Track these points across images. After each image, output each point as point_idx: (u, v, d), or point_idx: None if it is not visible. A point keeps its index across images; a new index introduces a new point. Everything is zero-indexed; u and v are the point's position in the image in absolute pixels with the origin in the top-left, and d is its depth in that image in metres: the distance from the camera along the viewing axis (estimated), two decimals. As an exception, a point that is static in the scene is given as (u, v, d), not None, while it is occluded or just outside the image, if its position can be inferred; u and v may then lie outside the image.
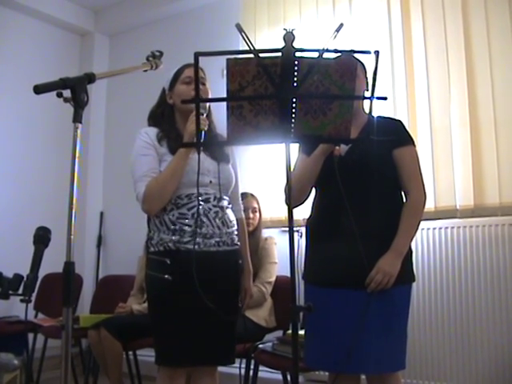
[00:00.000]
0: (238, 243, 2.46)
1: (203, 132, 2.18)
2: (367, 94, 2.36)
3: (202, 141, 2.14)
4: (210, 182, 2.37)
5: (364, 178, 2.26)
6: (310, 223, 2.43)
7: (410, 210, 2.28)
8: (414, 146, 2.37)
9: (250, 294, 2.54)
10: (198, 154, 2.21)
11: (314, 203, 2.44)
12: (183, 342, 2.25)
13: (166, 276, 2.26)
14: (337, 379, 2.29)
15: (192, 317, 2.24)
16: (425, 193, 2.33)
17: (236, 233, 2.45)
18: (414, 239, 2.55)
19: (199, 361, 2.30)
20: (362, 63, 2.38)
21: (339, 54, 1.81)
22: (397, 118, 2.64)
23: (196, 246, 2.25)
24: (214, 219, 2.33)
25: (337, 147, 2.21)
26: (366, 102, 2.38)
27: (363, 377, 2.39)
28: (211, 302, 2.14)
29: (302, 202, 2.39)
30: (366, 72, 2.41)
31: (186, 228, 2.28)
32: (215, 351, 2.32)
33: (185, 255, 2.23)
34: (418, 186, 2.31)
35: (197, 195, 2.27)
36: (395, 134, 2.33)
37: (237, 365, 2.65)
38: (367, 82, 2.39)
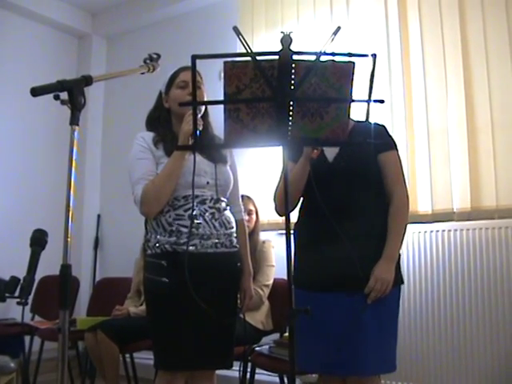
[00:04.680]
0: (237, 245, 2.44)
1: (198, 132, 2.17)
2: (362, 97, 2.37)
3: (198, 143, 2.14)
4: (207, 183, 2.36)
5: (352, 183, 2.28)
6: (298, 228, 2.43)
7: (395, 215, 2.31)
8: (397, 150, 2.41)
9: (249, 295, 2.52)
10: (194, 155, 2.21)
11: (301, 208, 2.44)
12: (182, 346, 2.24)
13: (164, 279, 2.25)
14: (327, 381, 2.31)
15: (190, 320, 2.23)
16: (408, 196, 2.36)
17: (235, 234, 2.43)
18: (411, 242, 2.56)
19: (198, 365, 2.29)
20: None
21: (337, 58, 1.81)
22: (393, 122, 2.65)
23: (193, 248, 2.25)
24: (210, 220, 2.32)
25: (315, 150, 2.22)
26: (354, 107, 2.39)
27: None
28: (208, 304, 2.13)
29: (293, 209, 2.40)
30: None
31: (183, 229, 2.27)
32: (213, 355, 2.31)
33: (182, 257, 2.20)
34: (401, 191, 2.35)
35: (192, 196, 2.27)
36: (379, 138, 2.35)
37: (234, 368, 2.65)
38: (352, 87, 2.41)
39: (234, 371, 2.77)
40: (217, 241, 2.32)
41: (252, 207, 3.67)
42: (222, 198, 2.42)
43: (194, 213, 2.28)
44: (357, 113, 2.38)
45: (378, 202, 2.34)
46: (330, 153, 2.33)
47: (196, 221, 2.28)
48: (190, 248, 2.23)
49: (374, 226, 2.27)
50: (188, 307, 2.20)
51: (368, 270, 2.20)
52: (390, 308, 2.27)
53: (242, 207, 2.64)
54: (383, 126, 2.45)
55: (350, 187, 2.27)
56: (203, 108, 2.43)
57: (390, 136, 2.42)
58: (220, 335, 2.31)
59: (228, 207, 2.46)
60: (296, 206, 2.41)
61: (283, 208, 1.73)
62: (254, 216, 3.65)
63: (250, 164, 4.19)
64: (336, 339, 2.18)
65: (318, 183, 2.18)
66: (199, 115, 2.32)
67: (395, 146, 2.40)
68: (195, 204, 2.30)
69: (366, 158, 2.28)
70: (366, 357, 2.17)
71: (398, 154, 2.40)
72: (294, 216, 2.75)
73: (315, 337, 2.24)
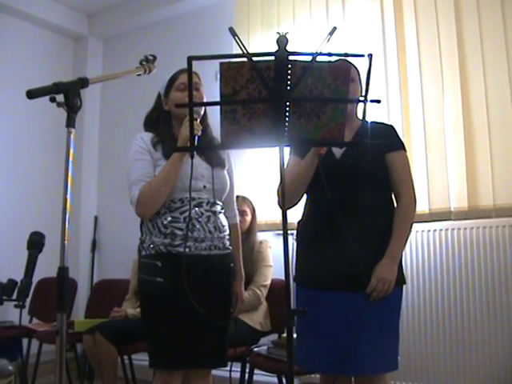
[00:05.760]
0: (230, 247, 2.46)
1: (197, 137, 2.18)
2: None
3: (196, 145, 2.14)
4: (204, 186, 2.37)
5: (359, 180, 2.28)
6: (303, 225, 2.44)
7: (402, 215, 2.32)
8: (405, 150, 2.41)
9: (241, 299, 2.55)
10: (192, 158, 2.22)
11: (306, 206, 2.45)
12: (175, 345, 2.25)
13: (158, 279, 2.26)
14: (330, 381, 2.30)
15: (184, 319, 2.24)
16: (415, 197, 2.36)
17: (228, 237, 2.45)
18: (409, 242, 2.55)
19: (192, 363, 2.30)
20: (356, 68, 2.39)
21: (333, 58, 1.82)
22: (389, 122, 2.66)
23: (187, 250, 2.25)
24: (205, 224, 2.33)
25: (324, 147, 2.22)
26: (360, 108, 2.40)
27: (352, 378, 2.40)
28: (203, 304, 2.15)
29: (295, 204, 2.40)
30: (360, 77, 2.43)
31: (178, 232, 2.28)
32: (207, 354, 2.32)
33: (176, 258, 2.23)
34: (409, 191, 2.35)
35: (189, 199, 2.28)
36: (388, 138, 2.36)
37: (232, 368, 2.65)
38: (361, 88, 2.41)
39: (233, 372, 2.76)
40: (210, 243, 2.34)
41: (246, 208, 3.65)
42: (218, 202, 2.44)
43: (188, 214, 2.29)
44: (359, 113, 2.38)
45: (383, 201, 2.35)
46: (338, 149, 2.34)
47: (191, 224, 2.29)
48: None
49: (378, 224, 2.27)
50: (182, 307, 2.22)
51: (371, 269, 2.21)
52: (391, 307, 2.27)
53: (237, 211, 2.65)
54: (391, 126, 2.46)
55: (356, 185, 2.27)
56: (202, 111, 2.44)
57: (398, 136, 2.43)
58: (214, 334, 2.33)
59: (223, 210, 2.48)
60: (299, 201, 2.41)
61: (285, 202, 1.73)
62: (247, 217, 3.63)
63: (247, 164, 4.19)
64: (337, 338, 2.18)
65: (325, 179, 2.18)
66: (198, 119, 2.32)
67: (403, 146, 2.41)
68: (192, 207, 2.31)
69: (373, 156, 2.27)
70: (367, 356, 2.17)
71: (406, 155, 2.40)
72: (292, 216, 2.76)
73: (316, 336, 2.24)
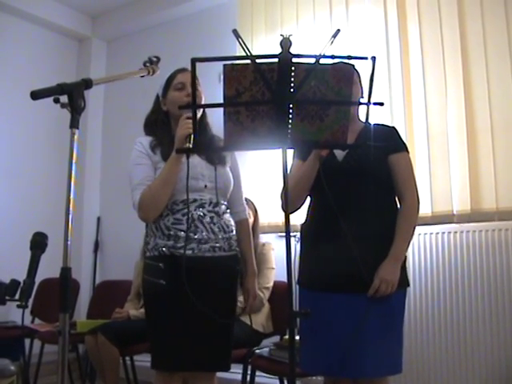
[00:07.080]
0: (237, 249, 2.44)
1: (193, 136, 2.16)
2: (363, 100, 2.38)
3: (197, 146, 2.13)
4: (205, 186, 2.36)
5: (361, 183, 2.28)
6: (306, 228, 2.44)
7: (405, 216, 2.32)
8: (408, 152, 2.41)
9: (253, 294, 2.52)
10: (187, 158, 2.21)
11: (309, 208, 2.44)
12: (177, 347, 2.25)
13: (161, 281, 2.26)
14: (329, 383, 2.31)
15: (186, 321, 2.24)
16: (418, 199, 2.36)
17: (234, 238, 2.43)
18: (411, 244, 2.56)
19: (194, 366, 2.29)
20: (357, 71, 2.39)
21: (336, 60, 1.82)
22: (392, 125, 2.67)
23: (190, 252, 2.25)
24: (208, 224, 2.31)
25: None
26: (362, 110, 2.40)
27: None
28: (205, 306, 2.14)
29: (299, 208, 2.40)
30: (360, 80, 2.43)
31: (180, 234, 2.28)
32: (210, 357, 2.31)
33: (178, 260, 2.21)
34: (412, 193, 2.35)
35: (187, 201, 2.26)
36: (390, 140, 2.36)
37: (234, 370, 2.64)
38: (362, 90, 2.42)
39: (235, 374, 2.76)
40: (214, 245, 2.32)
41: (248, 210, 3.63)
42: (222, 202, 2.41)
43: (190, 215, 2.28)
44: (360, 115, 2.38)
45: (386, 203, 2.35)
46: (340, 152, 2.34)
47: (193, 225, 2.28)
48: (187, 252, 2.23)
49: (381, 226, 2.27)
50: (184, 309, 2.22)
51: (373, 271, 2.21)
52: (394, 309, 2.28)
53: (246, 206, 2.63)
54: (393, 128, 2.47)
55: (359, 187, 2.28)
56: (201, 110, 2.43)
57: (401, 138, 2.43)
58: (216, 337, 2.31)
59: (228, 210, 2.45)
60: (302, 204, 2.41)
61: (288, 206, 1.73)
62: (249, 219, 3.61)
63: (250, 166, 4.19)
64: (340, 340, 2.18)
65: (326, 181, 2.18)
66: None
67: (406, 148, 2.41)
68: (194, 208, 2.30)
69: (376, 158, 2.28)
70: (371, 358, 2.17)
71: (408, 157, 2.40)
72: (295, 218, 2.75)
73: (319, 338, 2.24)
